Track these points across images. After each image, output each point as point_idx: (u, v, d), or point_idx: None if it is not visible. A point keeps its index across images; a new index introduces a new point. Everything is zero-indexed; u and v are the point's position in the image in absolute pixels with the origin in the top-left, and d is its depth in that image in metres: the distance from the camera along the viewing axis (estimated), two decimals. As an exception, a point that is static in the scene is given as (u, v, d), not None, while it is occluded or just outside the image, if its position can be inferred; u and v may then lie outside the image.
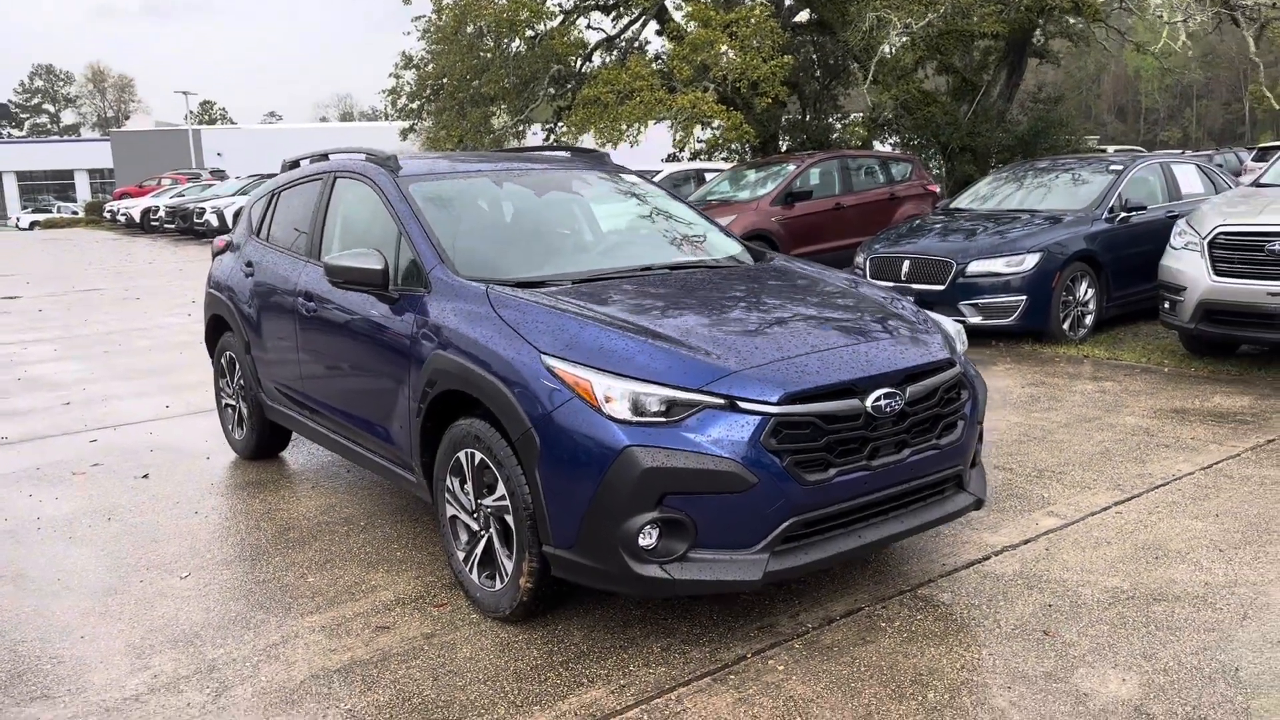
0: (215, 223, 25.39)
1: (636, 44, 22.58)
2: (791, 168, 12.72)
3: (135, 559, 4.31)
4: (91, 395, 7.76)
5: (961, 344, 4.02)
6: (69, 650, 3.50)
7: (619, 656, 3.32)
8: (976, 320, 8.27)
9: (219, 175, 39.41)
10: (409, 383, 3.86)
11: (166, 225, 29.06)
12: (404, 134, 28.13)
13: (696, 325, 3.45)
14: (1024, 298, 8.17)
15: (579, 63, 21.71)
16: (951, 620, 3.51)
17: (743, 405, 3.11)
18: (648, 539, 3.07)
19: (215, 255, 6.05)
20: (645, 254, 4.47)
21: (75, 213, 52.61)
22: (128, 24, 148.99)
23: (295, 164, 5.62)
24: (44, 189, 67.87)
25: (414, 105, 28.90)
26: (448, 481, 3.70)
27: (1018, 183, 10.08)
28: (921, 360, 3.50)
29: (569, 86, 21.23)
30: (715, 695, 3.07)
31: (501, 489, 3.40)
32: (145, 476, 5.52)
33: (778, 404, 3.12)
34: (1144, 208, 8.87)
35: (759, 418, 3.10)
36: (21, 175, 68.44)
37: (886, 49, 19.48)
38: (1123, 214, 8.75)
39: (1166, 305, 7.37)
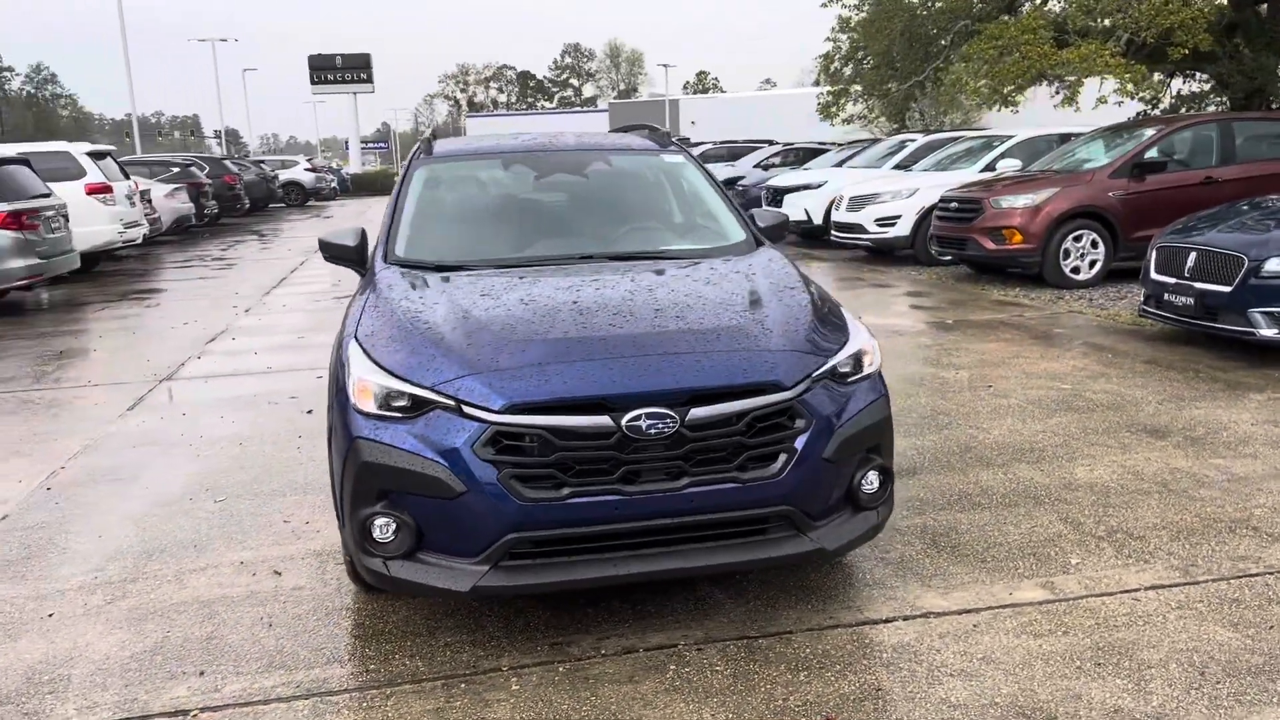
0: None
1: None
2: (1149, 133, 10.76)
3: (210, 481, 5.14)
4: (370, 338, 9.09)
5: (869, 364, 3.38)
6: (80, 545, 4.34)
7: (400, 644, 3.35)
8: (1272, 334, 6.52)
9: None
10: None
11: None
12: (834, 96, 28.20)
13: (505, 321, 3.31)
14: (1340, 308, 6.27)
15: (989, 14, 20.04)
16: (742, 679, 3.04)
17: (466, 410, 2.98)
18: (382, 533, 3.07)
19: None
20: (602, 242, 4.28)
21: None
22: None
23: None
24: (556, 153, 77.95)
25: (845, 70, 28.76)
26: None
27: None
28: (717, 382, 3.03)
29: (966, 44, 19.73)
30: (421, 700, 3.01)
31: None
32: (309, 412, 6.45)
33: (499, 412, 2.94)
34: None
35: (477, 424, 2.95)
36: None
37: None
38: None
39: None
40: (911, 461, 4.98)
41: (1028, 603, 3.47)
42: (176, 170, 21.77)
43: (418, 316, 3.40)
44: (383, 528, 3.06)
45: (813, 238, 15.69)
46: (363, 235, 4.34)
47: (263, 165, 30.96)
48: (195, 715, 2.99)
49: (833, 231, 14.04)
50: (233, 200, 25.01)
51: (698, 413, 2.98)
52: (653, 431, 2.94)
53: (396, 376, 3.11)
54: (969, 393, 6.29)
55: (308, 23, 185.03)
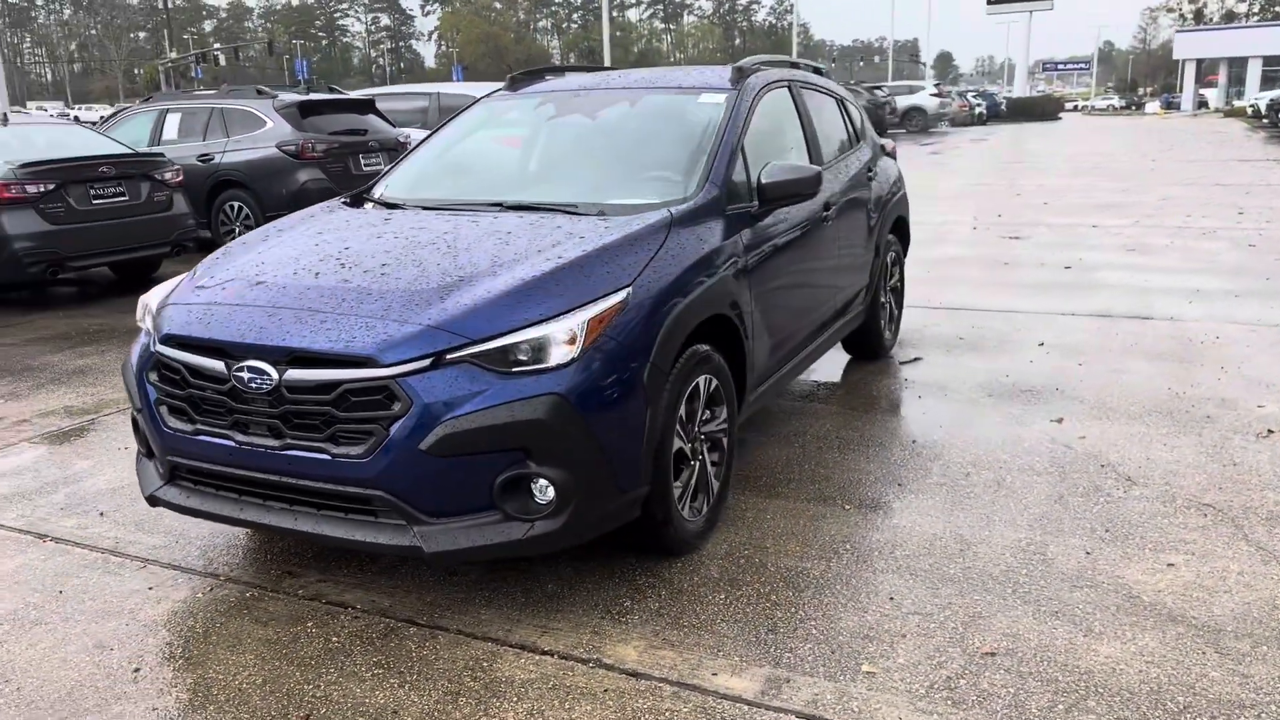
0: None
1: None
2: None
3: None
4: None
5: (558, 356, 3.02)
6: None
7: (216, 535, 3.98)
8: None
9: None
10: None
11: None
12: None
13: (266, 259, 3.57)
14: None
15: None
16: (323, 656, 3.11)
17: (154, 335, 3.45)
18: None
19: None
20: (537, 190, 4.24)
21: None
22: None
23: None
24: (1286, 74, 64.82)
25: None
26: None
27: None
28: (314, 346, 3.01)
29: None
30: (134, 579, 3.63)
31: None
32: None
33: (159, 342, 3.37)
34: None
35: (150, 350, 3.44)
36: (1268, 60, 66.57)
37: None
38: None
39: None
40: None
41: (598, 662, 2.98)
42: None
43: (236, 247, 3.88)
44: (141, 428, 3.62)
45: None
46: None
47: (876, 91, 31.30)
48: (46, 541, 3.98)
49: None
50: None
51: (291, 375, 3.03)
52: (253, 385, 3.08)
53: (157, 297, 3.68)
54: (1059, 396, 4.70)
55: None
